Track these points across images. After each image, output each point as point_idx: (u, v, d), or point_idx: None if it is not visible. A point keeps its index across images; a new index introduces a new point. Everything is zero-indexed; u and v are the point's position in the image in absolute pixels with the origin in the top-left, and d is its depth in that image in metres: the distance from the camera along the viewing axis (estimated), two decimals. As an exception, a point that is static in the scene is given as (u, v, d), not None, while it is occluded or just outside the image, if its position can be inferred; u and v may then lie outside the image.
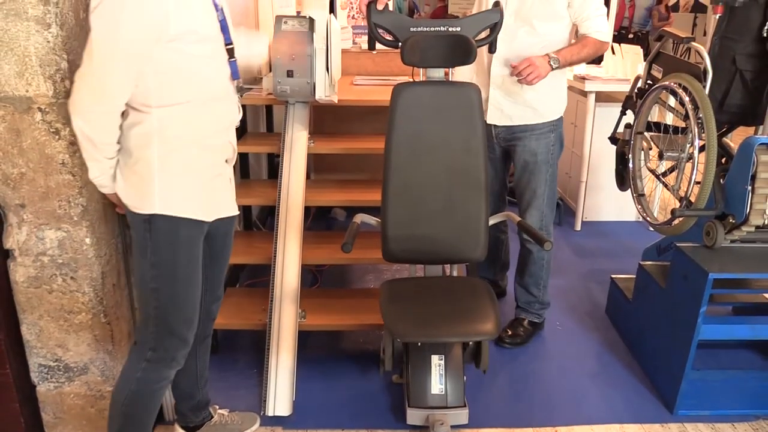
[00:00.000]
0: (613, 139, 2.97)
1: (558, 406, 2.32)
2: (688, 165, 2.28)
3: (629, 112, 2.86)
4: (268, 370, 2.25)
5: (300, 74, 2.61)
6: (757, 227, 2.17)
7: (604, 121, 3.81)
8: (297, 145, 2.68)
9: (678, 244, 2.32)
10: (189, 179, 1.61)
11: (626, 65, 3.95)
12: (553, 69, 2.33)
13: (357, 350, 2.67)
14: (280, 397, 2.21)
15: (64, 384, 1.90)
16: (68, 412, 1.93)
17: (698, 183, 2.18)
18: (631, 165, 2.69)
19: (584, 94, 3.84)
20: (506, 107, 2.50)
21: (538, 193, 2.58)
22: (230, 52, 1.67)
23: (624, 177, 2.83)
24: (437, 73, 2.16)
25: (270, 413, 2.20)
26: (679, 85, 2.28)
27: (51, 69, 1.58)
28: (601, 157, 3.93)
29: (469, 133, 2.12)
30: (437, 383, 2.06)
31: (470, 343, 2.13)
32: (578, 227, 4.02)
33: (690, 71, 2.30)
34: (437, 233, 2.15)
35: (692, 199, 2.22)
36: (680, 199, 2.30)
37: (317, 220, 3.88)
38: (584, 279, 3.34)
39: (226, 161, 1.73)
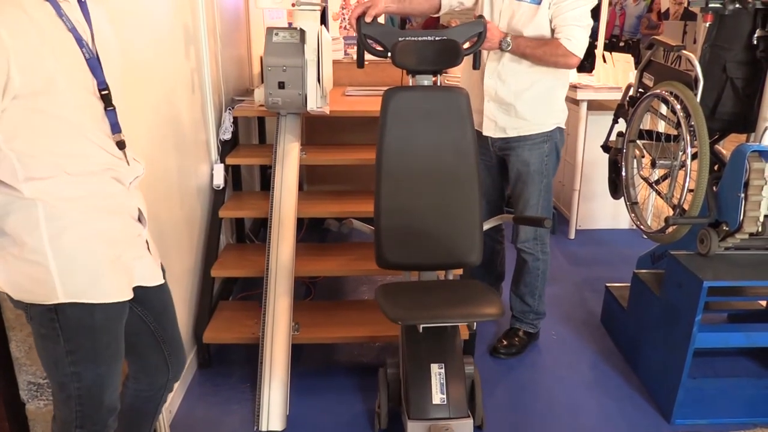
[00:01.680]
0: (606, 147, 2.97)
1: (554, 416, 2.31)
2: (681, 173, 2.27)
3: (621, 121, 2.86)
4: (261, 384, 2.23)
5: (291, 86, 2.61)
6: (751, 234, 2.17)
7: (596, 129, 3.81)
8: (289, 156, 2.67)
9: (672, 252, 2.31)
10: (94, 257, 1.35)
11: (617, 73, 3.96)
12: (502, 49, 2.32)
13: (352, 363, 2.65)
14: (273, 412, 2.18)
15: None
16: (58, 430, 1.90)
17: (691, 191, 2.18)
18: (623, 173, 2.69)
19: (576, 102, 3.84)
20: (500, 119, 2.50)
21: (531, 203, 2.56)
22: (106, 99, 1.34)
23: (617, 185, 2.82)
24: (425, 80, 2.16)
25: (263, 428, 2.17)
26: (671, 93, 2.29)
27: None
28: (594, 166, 3.93)
29: (459, 136, 2.12)
30: (438, 393, 1.98)
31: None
32: (572, 235, 4.01)
33: (681, 79, 2.30)
34: (431, 238, 2.13)
35: (685, 206, 2.22)
36: (673, 207, 2.30)
37: (310, 232, 3.86)
38: (579, 287, 3.33)
39: (139, 220, 1.49)
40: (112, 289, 1.39)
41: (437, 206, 2.13)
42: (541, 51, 2.34)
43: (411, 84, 2.19)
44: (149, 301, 1.56)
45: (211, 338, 2.51)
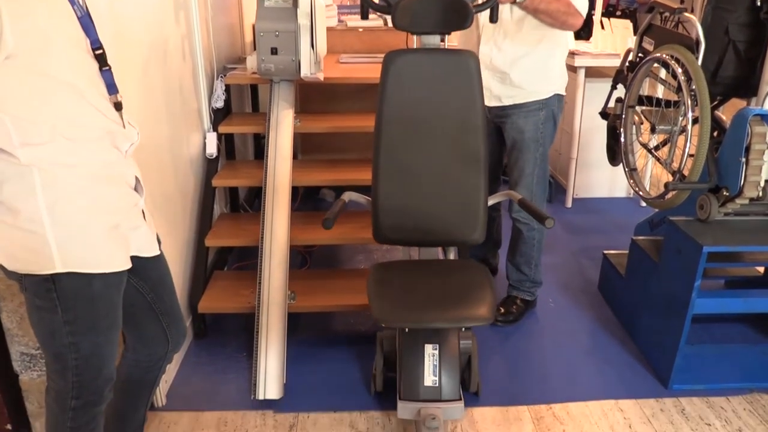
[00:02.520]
0: (604, 114, 2.93)
1: (552, 383, 2.30)
2: (681, 138, 2.24)
3: (620, 87, 2.82)
4: (258, 353, 2.21)
5: (284, 52, 2.55)
6: (751, 200, 2.15)
7: (593, 96, 3.77)
8: (283, 124, 2.62)
9: (671, 218, 2.29)
10: (92, 226, 1.32)
11: (616, 40, 3.90)
12: (516, 2, 2.23)
13: (348, 331, 2.64)
14: (270, 381, 2.17)
15: (48, 372, 1.84)
16: (53, 401, 1.88)
17: (692, 156, 2.15)
18: (622, 139, 2.66)
19: (574, 69, 3.78)
20: (494, 88, 2.45)
21: (526, 172, 2.53)
22: (100, 59, 1.29)
23: (615, 152, 2.79)
24: (433, 40, 2.01)
25: (260, 397, 2.16)
26: (672, 56, 2.24)
27: None
28: (592, 133, 3.90)
29: (467, 105, 1.97)
30: (430, 374, 1.91)
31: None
32: (569, 204, 3.99)
33: (682, 42, 2.25)
34: (432, 214, 2.03)
35: (685, 172, 2.19)
36: (673, 173, 2.27)
37: (305, 201, 3.83)
38: (576, 256, 3.32)
39: (135, 189, 1.45)
40: (111, 258, 1.36)
41: (440, 181, 2.02)
42: (554, 6, 2.25)
43: (415, 45, 2.08)
44: (146, 272, 1.53)
45: (207, 308, 2.49)
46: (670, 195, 2.29)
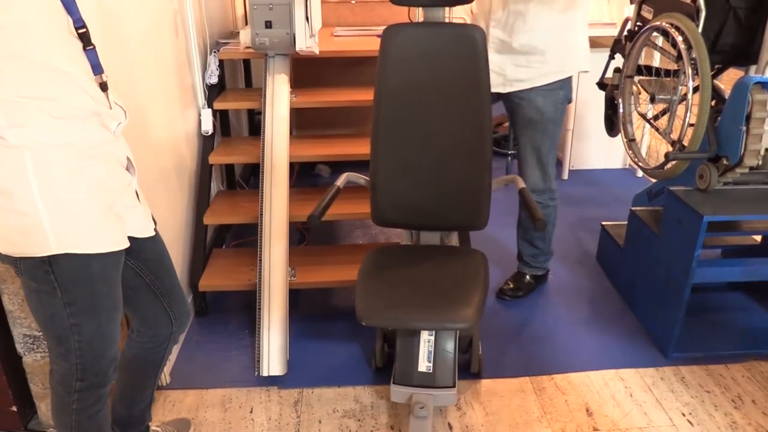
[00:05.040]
0: (602, 84, 2.91)
1: (553, 354, 2.32)
2: (681, 107, 2.23)
3: (618, 57, 2.79)
4: (261, 330, 2.22)
5: (279, 25, 2.51)
6: (751, 168, 2.15)
7: (589, 67, 3.73)
8: (279, 99, 2.59)
9: (671, 188, 2.29)
10: (86, 206, 1.29)
11: (612, 9, 3.86)
12: None
13: (349, 306, 2.64)
14: (273, 357, 2.18)
15: (51, 353, 1.84)
16: (57, 382, 1.88)
17: (691, 125, 2.14)
18: (621, 110, 2.64)
19: (569, 39, 3.75)
20: (509, 72, 2.30)
21: (542, 152, 2.43)
22: (84, 38, 1.24)
23: (614, 122, 2.78)
24: (437, 13, 1.92)
25: (264, 373, 2.17)
26: (672, 24, 2.22)
27: None
28: (587, 104, 3.88)
29: (471, 82, 1.88)
30: (425, 360, 1.90)
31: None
32: (565, 176, 3.98)
33: (682, 10, 2.23)
34: (434, 197, 1.98)
35: (684, 142, 2.18)
36: (672, 143, 2.26)
37: (301, 178, 3.81)
38: (573, 227, 3.33)
39: (128, 169, 1.42)
40: (107, 237, 1.33)
41: (442, 163, 1.95)
42: None
43: (418, 18, 2.00)
44: (143, 252, 1.51)
45: (207, 286, 2.49)
46: (669, 165, 2.29)
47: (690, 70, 2.13)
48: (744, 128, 2.08)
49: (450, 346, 1.92)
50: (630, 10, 2.83)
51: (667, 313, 2.28)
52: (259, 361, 2.19)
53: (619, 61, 2.75)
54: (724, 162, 2.17)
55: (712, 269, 2.22)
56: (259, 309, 2.25)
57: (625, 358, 2.29)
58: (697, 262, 2.13)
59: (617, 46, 2.76)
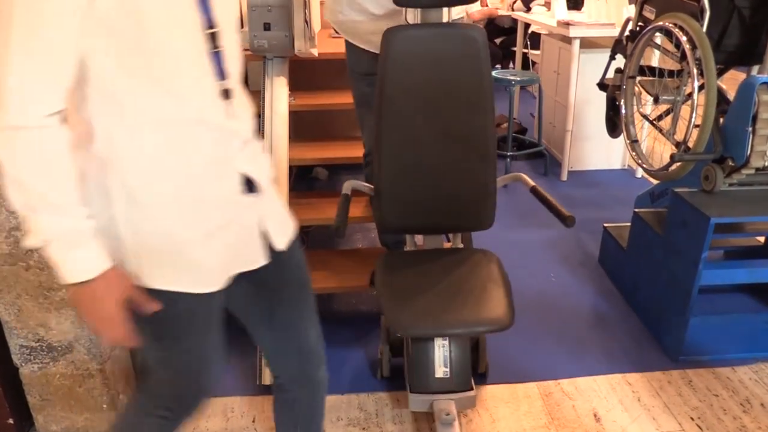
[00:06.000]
0: (602, 85, 2.89)
1: (559, 359, 2.29)
2: (685, 108, 2.21)
3: (618, 57, 2.78)
4: (262, 337, 2.17)
5: (278, 27, 2.47)
6: (757, 170, 2.13)
7: (587, 67, 3.73)
8: (278, 102, 2.55)
9: (675, 190, 2.27)
10: (178, 235, 1.09)
11: (610, 9, 3.85)
12: None
13: (350, 312, 2.61)
14: (275, 365, 2.14)
15: (49, 364, 1.80)
16: (55, 394, 1.84)
17: (697, 126, 2.12)
18: (623, 111, 2.62)
19: (568, 40, 3.73)
20: None
21: None
22: (212, 40, 1.07)
23: (615, 123, 2.76)
24: (435, 14, 1.89)
25: (267, 382, 2.12)
26: (675, 25, 2.20)
27: None
28: (586, 106, 3.86)
29: (474, 85, 1.85)
30: (441, 366, 1.87)
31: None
32: (564, 177, 3.96)
33: (686, 10, 2.21)
34: (440, 200, 1.94)
35: (689, 143, 2.16)
36: (677, 144, 2.24)
37: (298, 181, 3.77)
38: (574, 229, 3.30)
39: (250, 189, 1.18)
40: (198, 276, 1.13)
41: (447, 165, 1.92)
42: None
43: (418, 19, 1.93)
44: (262, 278, 1.28)
45: (206, 293, 2.44)
46: (674, 166, 2.27)
47: (695, 70, 2.11)
48: (750, 129, 2.06)
49: (466, 348, 1.90)
50: (630, 11, 2.82)
51: (673, 316, 2.26)
52: (260, 369, 2.14)
53: (619, 62, 2.73)
54: (730, 163, 2.15)
55: (719, 271, 2.20)
56: (260, 316, 2.21)
57: (632, 362, 2.27)
58: (704, 264, 2.10)
59: (618, 46, 2.74)
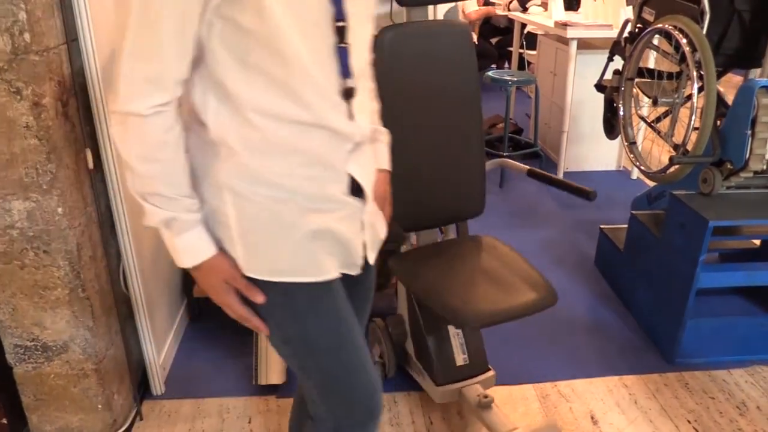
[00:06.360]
0: (600, 86, 2.89)
1: (555, 361, 2.29)
2: (684, 111, 2.21)
3: (616, 58, 2.78)
4: (258, 337, 2.16)
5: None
6: (755, 173, 2.13)
7: (584, 68, 3.73)
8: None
9: (673, 192, 2.27)
10: (287, 226, 1.05)
11: (607, 10, 3.85)
12: None
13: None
14: (272, 365, 2.12)
15: (43, 364, 1.78)
16: (50, 394, 1.81)
17: (696, 129, 2.12)
18: (621, 112, 2.62)
19: (565, 41, 3.73)
20: None
21: None
22: (340, 34, 0.99)
23: (613, 125, 2.76)
24: (421, 12, 1.90)
25: (263, 382, 2.11)
26: (675, 27, 2.20)
27: (7, 21, 1.41)
28: (582, 106, 3.87)
29: (464, 79, 1.87)
30: (460, 353, 1.91)
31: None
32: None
33: (686, 13, 2.21)
34: (434, 195, 1.94)
35: (688, 146, 2.16)
36: (675, 147, 2.24)
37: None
38: (570, 230, 3.31)
39: (355, 194, 1.11)
40: (312, 263, 1.07)
41: (440, 159, 1.91)
42: None
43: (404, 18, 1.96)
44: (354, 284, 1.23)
45: (201, 292, 2.40)
46: (672, 169, 2.27)
47: (695, 73, 2.11)
48: (749, 132, 2.06)
49: (476, 331, 1.95)
50: (627, 12, 2.82)
51: (670, 318, 2.26)
52: (256, 369, 2.13)
53: (617, 63, 2.73)
54: (728, 166, 2.15)
55: (717, 274, 2.20)
56: (257, 316, 2.20)
57: (628, 365, 2.27)
58: (702, 267, 2.11)
59: (617, 48, 2.74)
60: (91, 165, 1.70)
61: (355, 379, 1.14)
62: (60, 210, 1.59)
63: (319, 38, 0.98)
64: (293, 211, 1.04)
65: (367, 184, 1.13)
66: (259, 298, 1.06)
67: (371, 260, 1.19)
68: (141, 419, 2.00)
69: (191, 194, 1.01)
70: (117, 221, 1.84)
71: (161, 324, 2.19)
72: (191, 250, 1.02)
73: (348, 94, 1.03)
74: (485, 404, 1.80)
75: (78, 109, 1.65)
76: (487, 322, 1.61)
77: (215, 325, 2.48)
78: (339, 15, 0.98)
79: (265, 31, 0.92)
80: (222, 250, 1.05)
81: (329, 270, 1.10)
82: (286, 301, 1.08)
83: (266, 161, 1.01)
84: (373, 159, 1.18)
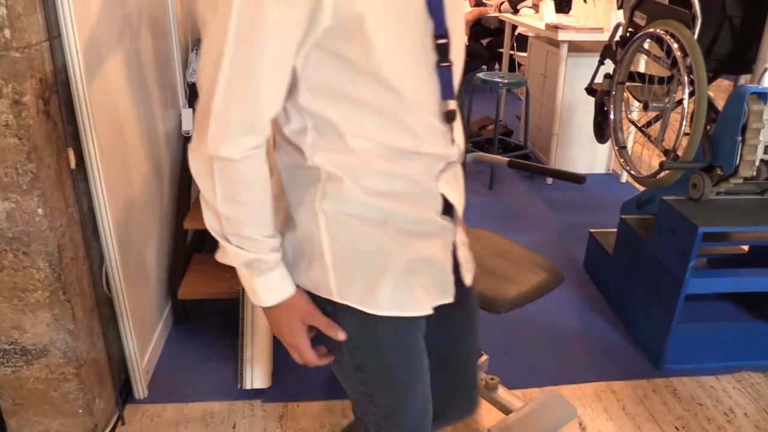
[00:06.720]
0: (591, 89, 2.88)
1: (543, 366, 2.28)
2: (674, 115, 2.20)
3: (607, 62, 2.77)
4: (244, 340, 2.13)
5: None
6: (745, 179, 2.13)
7: (574, 71, 3.72)
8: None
9: (664, 198, 2.26)
10: (380, 254, 0.99)
11: (598, 13, 3.84)
12: None
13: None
14: (257, 369, 2.10)
15: (23, 368, 1.74)
16: (29, 398, 1.78)
17: (686, 134, 2.11)
18: (612, 116, 2.61)
19: (556, 44, 3.72)
20: None
21: None
22: (442, 51, 0.93)
23: (603, 129, 2.75)
24: None
25: (247, 386, 2.08)
26: (667, 32, 2.19)
27: (-14, 16, 1.38)
28: (572, 109, 3.86)
29: None
30: None
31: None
32: (550, 181, 3.96)
33: (677, 17, 2.20)
34: None
35: (679, 151, 2.15)
36: (665, 152, 2.23)
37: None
38: (559, 233, 3.30)
39: (446, 213, 1.05)
40: (402, 298, 1.02)
41: None
42: None
43: None
44: (442, 319, 1.17)
45: (187, 294, 2.39)
46: (662, 174, 2.26)
47: (686, 78, 2.10)
48: (740, 138, 2.05)
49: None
50: (619, 16, 2.81)
51: (658, 324, 2.25)
52: (241, 374, 2.10)
53: (608, 66, 2.72)
54: (719, 172, 2.14)
55: (706, 280, 2.20)
56: (242, 318, 2.16)
57: (617, 370, 2.26)
58: (691, 272, 2.10)
59: (608, 51, 2.73)
60: (73, 164, 1.66)
61: (419, 412, 1.13)
62: (40, 211, 1.56)
63: (421, 58, 0.92)
64: (391, 235, 0.99)
65: (458, 203, 1.07)
66: (341, 336, 1.02)
67: (468, 281, 1.15)
68: (123, 423, 1.97)
69: (275, 233, 0.97)
70: (100, 222, 1.80)
71: (145, 326, 2.15)
72: (273, 289, 0.98)
73: (449, 117, 0.97)
74: (492, 386, 1.90)
75: (60, 107, 1.61)
76: (517, 304, 1.67)
77: (201, 327, 2.44)
78: (440, 31, 0.91)
79: (370, 62, 0.86)
80: (300, 286, 1.01)
81: (423, 306, 1.05)
82: (369, 331, 1.03)
83: (365, 185, 0.95)
84: (461, 176, 1.11)
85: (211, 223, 0.95)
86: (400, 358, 1.08)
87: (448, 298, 1.09)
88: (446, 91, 0.95)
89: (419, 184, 0.99)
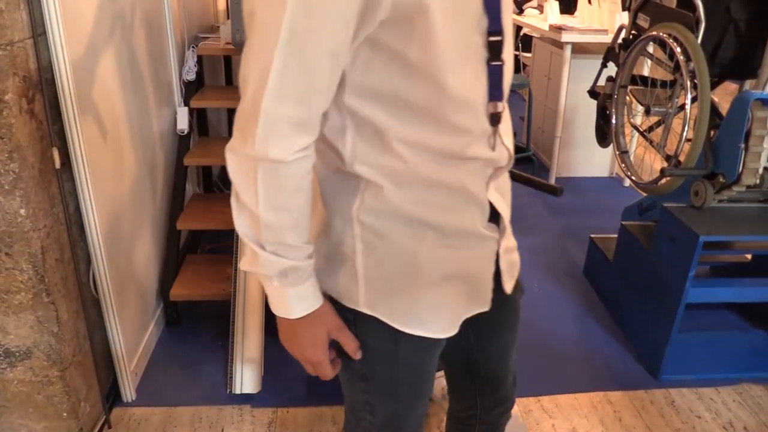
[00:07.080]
0: (593, 92, 2.83)
1: (539, 374, 2.24)
2: (677, 121, 2.15)
3: (610, 65, 2.72)
4: (234, 344, 2.10)
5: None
6: (748, 187, 2.08)
7: (578, 73, 3.67)
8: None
9: (665, 205, 2.21)
10: (413, 271, 0.96)
11: (603, 15, 3.79)
12: None
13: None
14: (247, 374, 2.06)
15: (6, 370, 1.71)
16: (12, 401, 1.75)
17: (688, 140, 2.06)
18: (614, 120, 2.56)
19: (560, 45, 3.67)
20: None
21: None
22: (494, 49, 0.87)
23: (605, 133, 2.70)
24: None
25: (237, 391, 2.05)
26: (670, 35, 2.14)
27: (-32, 12, 1.35)
28: (576, 112, 3.81)
29: None
30: None
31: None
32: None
33: (681, 21, 2.15)
34: None
35: (681, 157, 2.11)
36: (667, 158, 2.19)
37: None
38: (560, 237, 3.25)
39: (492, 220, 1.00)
40: (428, 319, 0.99)
41: None
42: None
43: None
44: (478, 323, 1.12)
45: (179, 295, 2.36)
46: (663, 181, 2.21)
47: (688, 83, 2.06)
48: (743, 146, 2.01)
49: None
50: (623, 17, 2.76)
51: (657, 333, 2.21)
52: (231, 378, 2.07)
53: (611, 69, 2.67)
54: (721, 179, 2.09)
55: (707, 289, 2.15)
56: (233, 322, 2.13)
57: (614, 380, 2.21)
58: (692, 281, 2.05)
59: (611, 54, 2.68)
60: (58, 164, 1.63)
61: (414, 428, 1.12)
62: (23, 211, 1.53)
63: (473, 56, 0.86)
64: (428, 248, 0.95)
65: (505, 211, 1.03)
66: (358, 356, 0.99)
67: (508, 290, 1.09)
68: (109, 427, 1.94)
69: (309, 238, 0.90)
70: (86, 222, 1.77)
71: (134, 328, 2.12)
72: (304, 300, 0.92)
73: (496, 119, 0.91)
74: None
75: (45, 106, 1.58)
76: None
77: (195, 329, 2.41)
78: (495, 27, 0.85)
79: (426, 57, 0.81)
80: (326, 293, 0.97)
81: (451, 328, 1.02)
82: (389, 344, 1.00)
83: (407, 193, 0.91)
84: (509, 182, 1.06)
85: (244, 230, 0.87)
86: (413, 374, 1.06)
87: (483, 308, 1.06)
88: (495, 92, 0.89)
89: (466, 193, 0.94)
